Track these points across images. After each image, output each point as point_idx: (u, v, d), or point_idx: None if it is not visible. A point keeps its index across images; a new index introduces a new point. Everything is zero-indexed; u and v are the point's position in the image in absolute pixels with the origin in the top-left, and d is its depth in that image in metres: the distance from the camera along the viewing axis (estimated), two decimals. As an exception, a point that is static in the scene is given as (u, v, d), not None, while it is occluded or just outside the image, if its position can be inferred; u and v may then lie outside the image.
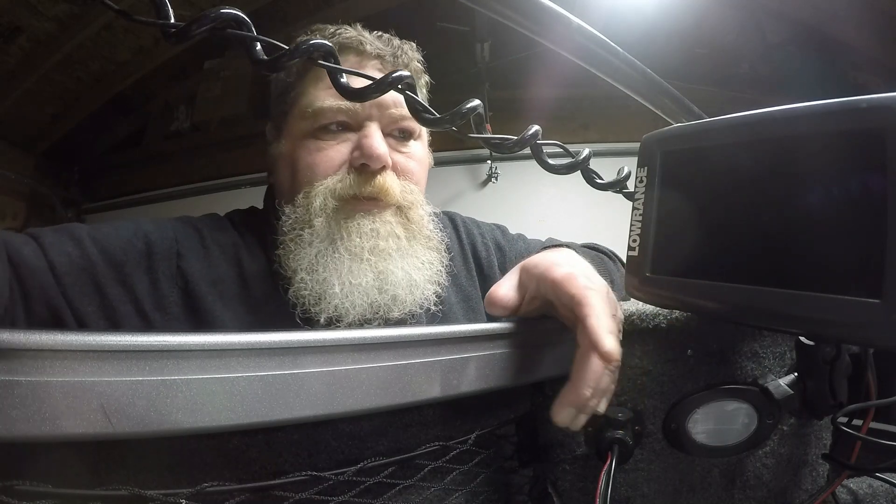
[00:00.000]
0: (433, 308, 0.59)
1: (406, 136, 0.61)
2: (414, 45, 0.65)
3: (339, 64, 0.34)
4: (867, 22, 1.78)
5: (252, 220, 0.65)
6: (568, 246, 0.49)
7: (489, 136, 0.41)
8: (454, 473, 0.36)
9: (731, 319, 0.37)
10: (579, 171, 0.48)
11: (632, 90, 0.53)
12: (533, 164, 0.45)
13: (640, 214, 0.37)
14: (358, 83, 0.35)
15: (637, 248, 0.37)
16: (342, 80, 0.34)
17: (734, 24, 2.08)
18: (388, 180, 0.57)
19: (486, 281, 0.72)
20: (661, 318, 0.39)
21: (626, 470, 0.41)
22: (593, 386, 0.32)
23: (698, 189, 0.34)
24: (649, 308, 0.40)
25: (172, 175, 2.45)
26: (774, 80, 2.08)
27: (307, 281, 0.54)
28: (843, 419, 0.40)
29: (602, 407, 0.34)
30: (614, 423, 0.39)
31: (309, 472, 0.29)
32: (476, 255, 0.73)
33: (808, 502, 0.44)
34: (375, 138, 0.56)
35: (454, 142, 2.01)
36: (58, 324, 0.47)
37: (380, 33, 0.62)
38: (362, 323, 0.55)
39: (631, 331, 0.39)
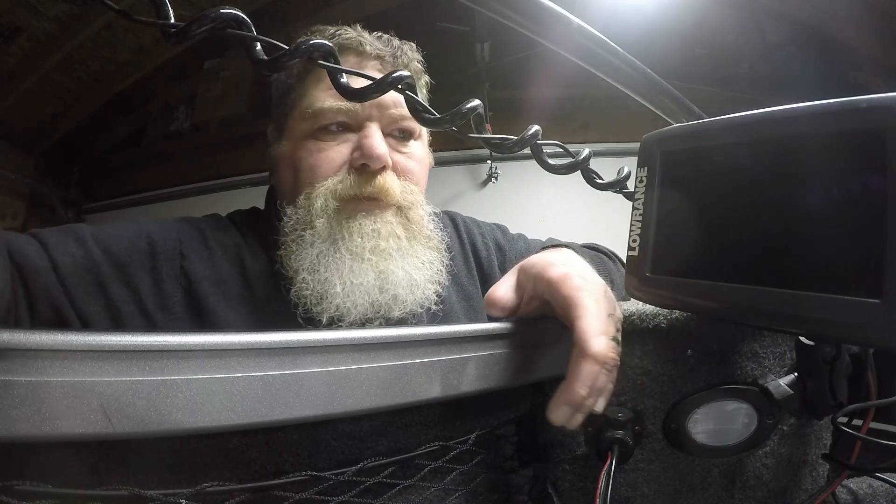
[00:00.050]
0: (434, 307, 0.59)
1: (406, 136, 0.61)
2: (414, 45, 0.65)
3: (339, 64, 0.34)
4: (867, 22, 1.78)
5: (254, 221, 0.65)
6: (567, 246, 0.49)
7: (489, 136, 0.41)
8: (454, 473, 0.36)
9: (731, 319, 0.37)
10: (579, 171, 0.48)
11: (632, 90, 0.53)
12: (533, 164, 0.45)
13: (640, 214, 0.37)
14: (358, 83, 0.35)
15: (637, 248, 0.37)
16: (342, 80, 0.34)
17: (734, 24, 2.08)
18: (388, 180, 0.57)
19: (487, 280, 0.72)
20: (661, 318, 0.39)
21: (626, 470, 0.41)
22: (589, 385, 0.32)
23: (698, 189, 0.34)
24: (649, 308, 0.40)
25: (172, 175, 2.45)
26: (774, 80, 2.08)
27: (309, 281, 0.55)
28: (843, 419, 0.40)
29: (600, 406, 0.34)
30: (614, 423, 0.39)
31: (309, 472, 0.29)
32: (476, 254, 0.73)
33: (808, 502, 0.44)
34: (375, 138, 0.57)
35: (454, 142, 2.01)
36: (62, 324, 0.48)
37: (379, 34, 0.62)
38: (364, 322, 0.55)
39: (631, 331, 0.39)
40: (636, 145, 0.39)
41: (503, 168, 2.23)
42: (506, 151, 0.42)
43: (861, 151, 0.26)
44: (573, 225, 1.98)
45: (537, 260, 0.39)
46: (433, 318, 0.61)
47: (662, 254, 0.36)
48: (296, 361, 0.26)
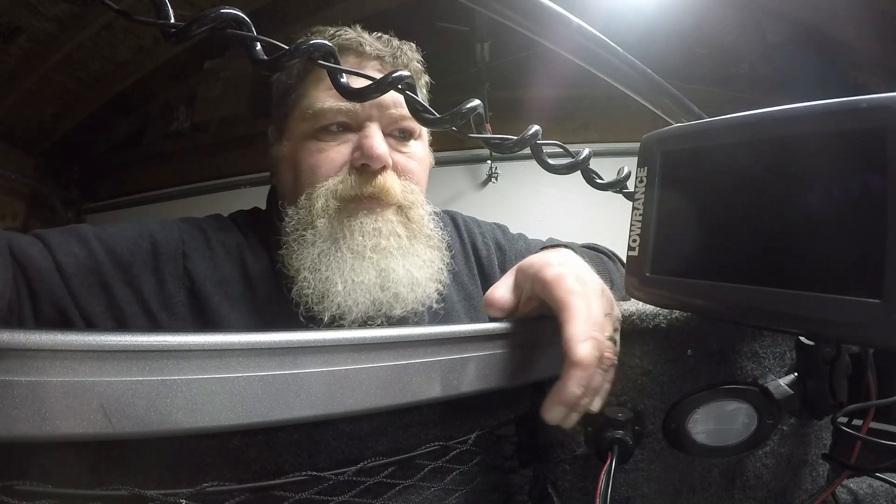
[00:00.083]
0: (435, 306, 0.59)
1: (406, 135, 0.61)
2: (413, 45, 0.65)
3: (339, 64, 0.34)
4: (867, 22, 1.78)
5: (255, 221, 0.65)
6: (567, 246, 0.49)
7: (489, 136, 0.41)
8: (454, 473, 0.36)
9: (731, 319, 0.37)
10: (579, 171, 0.48)
11: (632, 90, 0.53)
12: (533, 164, 0.45)
13: (640, 214, 0.37)
14: (358, 83, 0.35)
15: (637, 248, 0.37)
16: (342, 80, 0.34)
17: (734, 24, 2.08)
18: (388, 180, 0.57)
19: (487, 280, 0.72)
20: (661, 318, 0.39)
21: (626, 470, 0.41)
22: (584, 385, 0.32)
23: (698, 189, 0.34)
24: (649, 308, 0.40)
25: (172, 175, 2.45)
26: (774, 80, 2.08)
27: (310, 280, 0.55)
28: (843, 419, 0.40)
29: (596, 406, 0.34)
30: (614, 423, 0.39)
31: (309, 472, 0.29)
32: (477, 253, 0.74)
33: (808, 502, 0.44)
34: (376, 138, 0.57)
35: (454, 142, 2.01)
36: (66, 324, 0.48)
37: (379, 34, 0.62)
38: (365, 321, 0.55)
39: (631, 331, 0.39)
40: (636, 145, 0.39)
41: (503, 168, 2.23)
42: (506, 151, 0.42)
43: (861, 151, 0.26)
44: (573, 225, 1.98)
45: (535, 260, 0.39)
46: (435, 317, 0.61)
47: (662, 254, 0.36)
48: (296, 361, 0.26)
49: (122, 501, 0.24)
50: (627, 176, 0.50)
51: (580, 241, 0.63)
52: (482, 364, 0.34)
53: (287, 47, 0.32)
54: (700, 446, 0.40)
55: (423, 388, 0.31)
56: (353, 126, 0.58)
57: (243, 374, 0.25)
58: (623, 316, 0.39)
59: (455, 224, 0.76)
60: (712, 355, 0.40)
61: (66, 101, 2.23)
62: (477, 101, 0.38)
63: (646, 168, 0.38)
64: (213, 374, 0.24)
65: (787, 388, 0.39)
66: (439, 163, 0.71)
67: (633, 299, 0.40)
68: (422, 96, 0.66)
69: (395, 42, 0.62)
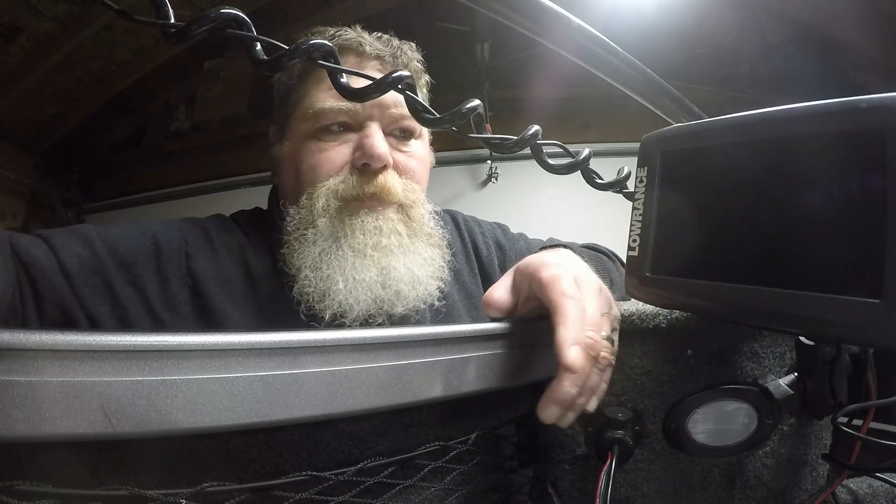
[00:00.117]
0: (437, 304, 0.59)
1: (407, 135, 0.62)
2: (414, 45, 0.65)
3: (339, 64, 0.34)
4: (867, 22, 1.78)
5: (257, 221, 0.65)
6: (567, 246, 0.49)
7: (489, 136, 0.41)
8: (454, 473, 0.36)
9: (731, 319, 0.37)
10: (579, 171, 0.48)
11: (632, 90, 0.53)
12: (533, 164, 0.45)
13: (640, 214, 0.37)
14: (358, 83, 0.35)
15: (637, 248, 0.37)
16: (342, 80, 0.34)
17: (734, 24, 2.08)
18: (389, 179, 0.57)
19: (488, 279, 0.72)
20: (661, 318, 0.39)
21: (626, 470, 0.41)
22: (579, 384, 0.32)
23: (698, 189, 0.34)
24: (649, 308, 0.40)
25: (172, 175, 2.45)
26: (774, 80, 2.08)
27: (311, 278, 0.55)
28: (843, 419, 0.40)
29: (592, 405, 0.34)
30: (614, 423, 0.39)
31: (309, 472, 0.29)
32: (477, 252, 0.74)
33: (808, 502, 0.44)
34: (376, 138, 0.57)
35: (454, 142, 2.01)
36: (70, 324, 0.48)
37: (379, 34, 0.63)
38: (367, 319, 0.55)
39: (631, 331, 0.39)
40: (636, 145, 0.39)
41: (503, 168, 2.23)
42: (506, 151, 0.42)
43: (861, 151, 0.26)
44: (573, 225, 1.98)
45: (532, 260, 0.39)
46: (436, 315, 0.62)
47: (662, 254, 0.36)
48: (296, 361, 0.26)
49: (122, 501, 0.24)
50: (627, 176, 0.50)
51: (580, 241, 0.63)
52: (482, 364, 0.34)
53: (287, 47, 0.32)
54: (700, 446, 0.40)
55: (423, 388, 0.31)
56: (354, 126, 0.59)
57: (243, 374, 0.25)
58: (623, 316, 0.39)
59: (455, 223, 0.76)
60: (712, 355, 0.40)
61: (66, 101, 2.23)
62: (477, 101, 0.38)
63: (646, 168, 0.38)
64: (213, 374, 0.24)
65: (787, 388, 0.39)
66: (439, 163, 0.71)
67: (633, 299, 0.40)
68: (422, 96, 0.66)
69: (396, 42, 0.62)
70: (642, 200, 0.37)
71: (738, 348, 0.41)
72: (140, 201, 2.48)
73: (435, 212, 0.64)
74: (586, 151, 0.47)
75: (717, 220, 0.33)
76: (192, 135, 2.43)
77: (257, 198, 0.69)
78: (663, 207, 0.36)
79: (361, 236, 0.56)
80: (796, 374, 0.40)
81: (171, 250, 0.55)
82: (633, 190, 0.39)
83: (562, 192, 2.14)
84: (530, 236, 0.82)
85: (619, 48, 0.48)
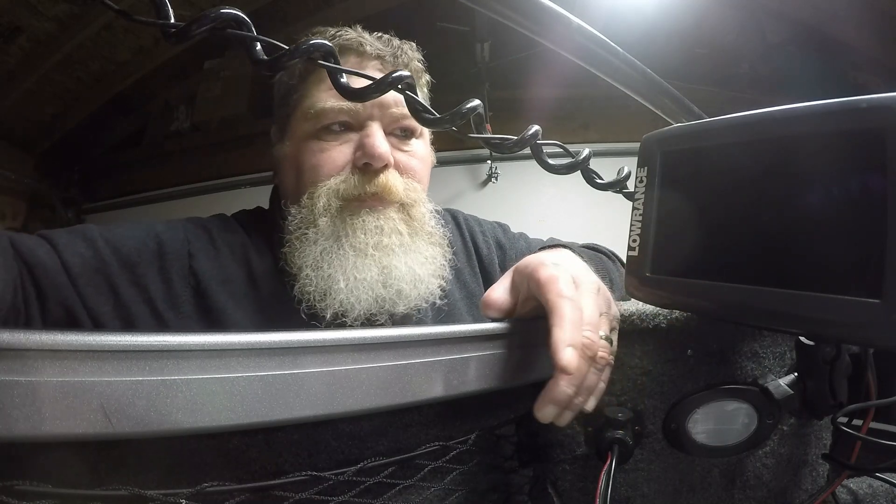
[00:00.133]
0: (439, 302, 0.59)
1: (408, 134, 0.62)
2: (414, 45, 0.65)
3: (339, 64, 0.34)
4: (867, 22, 1.78)
5: (259, 220, 0.66)
6: (566, 246, 0.49)
7: (489, 136, 0.41)
8: (454, 473, 0.36)
9: (731, 319, 0.37)
10: (579, 171, 0.48)
11: (632, 90, 0.53)
12: (533, 164, 0.45)
13: (640, 214, 0.37)
14: (358, 83, 0.35)
15: (637, 248, 0.37)
16: (342, 80, 0.34)
17: (734, 24, 2.08)
18: (390, 178, 0.58)
19: (488, 277, 0.72)
20: (661, 318, 0.39)
21: (626, 470, 0.41)
22: (576, 384, 0.32)
23: (698, 189, 0.34)
24: (649, 308, 0.40)
25: (172, 175, 2.45)
26: (774, 80, 2.08)
27: (312, 277, 0.55)
28: (843, 419, 0.40)
29: (590, 405, 0.34)
30: (614, 423, 0.39)
31: (309, 472, 0.29)
32: (478, 251, 0.74)
33: (808, 502, 0.44)
34: (377, 137, 0.57)
35: (454, 142, 2.01)
36: (73, 323, 0.48)
37: (380, 34, 0.63)
38: (368, 318, 0.55)
39: (631, 331, 0.39)
40: (636, 145, 0.39)
41: (503, 168, 2.23)
42: (506, 151, 0.42)
43: (861, 151, 0.26)
44: (573, 225, 1.98)
45: (531, 260, 0.39)
46: (438, 314, 0.62)
47: (662, 254, 0.36)
48: (296, 361, 0.26)
49: (122, 501, 0.24)
50: (627, 176, 0.50)
51: (580, 241, 0.63)
52: (482, 364, 0.34)
53: (287, 47, 0.32)
54: (700, 446, 0.40)
55: (423, 388, 0.31)
56: (355, 125, 0.59)
57: (243, 374, 0.25)
58: (623, 316, 0.39)
59: (456, 222, 0.76)
60: (712, 355, 0.40)
61: (66, 101, 2.24)
62: (477, 101, 0.38)
63: (646, 168, 0.38)
64: (213, 374, 0.24)
65: (787, 388, 0.39)
66: (439, 163, 0.71)
67: (633, 299, 0.40)
68: (422, 96, 0.66)
69: (396, 42, 0.62)
70: (642, 200, 0.37)
71: (738, 348, 0.41)
72: (140, 201, 2.48)
73: (436, 211, 0.64)
74: (586, 151, 0.47)
75: (717, 220, 0.33)
76: (192, 135, 2.43)
77: (257, 198, 0.69)
78: (663, 207, 0.36)
79: (363, 235, 0.56)
80: (796, 374, 0.40)
81: (174, 250, 0.56)
82: (633, 190, 0.39)
83: (562, 192, 2.14)
84: (530, 236, 0.82)
85: (619, 48, 0.48)
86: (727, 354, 0.41)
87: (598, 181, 0.50)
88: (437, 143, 0.70)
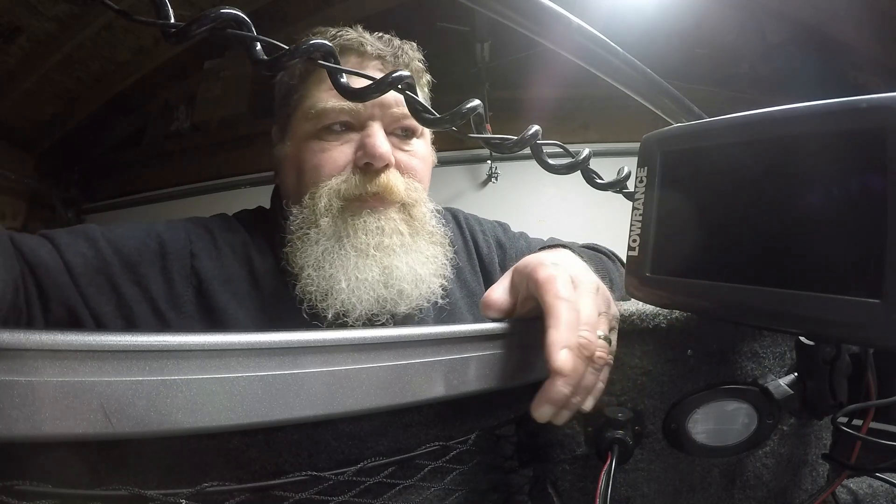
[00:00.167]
0: (440, 301, 0.59)
1: (409, 134, 0.62)
2: (415, 45, 0.65)
3: (339, 64, 0.34)
4: (867, 22, 1.78)
5: (260, 220, 0.66)
6: (566, 246, 0.49)
7: (489, 136, 0.41)
8: (454, 473, 0.36)
9: (731, 319, 0.37)
10: (579, 171, 0.48)
11: (632, 90, 0.53)
12: (533, 164, 0.45)
13: (640, 214, 0.37)
14: (358, 83, 0.35)
15: (637, 248, 0.37)
16: (342, 80, 0.34)
17: (734, 24, 2.08)
18: (391, 178, 0.58)
19: (488, 276, 0.72)
20: (661, 318, 0.39)
21: (626, 470, 0.41)
22: (573, 384, 0.32)
23: (698, 189, 0.34)
24: (649, 308, 0.40)
25: (172, 175, 2.45)
26: (774, 80, 2.08)
27: (314, 277, 0.55)
28: (843, 419, 0.40)
29: (588, 405, 0.34)
30: (614, 423, 0.39)
31: (309, 472, 0.29)
32: (478, 250, 0.74)
33: (808, 502, 0.44)
34: (378, 137, 0.57)
35: (454, 142, 2.01)
36: (75, 323, 0.49)
37: (380, 34, 0.63)
38: (370, 318, 0.55)
39: (631, 331, 0.39)
40: (636, 145, 0.39)
41: (503, 168, 2.23)
42: (506, 151, 0.42)
43: (861, 151, 0.26)
44: (573, 225, 1.98)
45: (530, 260, 0.39)
46: (440, 313, 0.62)
47: (662, 254, 0.36)
48: (296, 361, 0.26)
49: (122, 501, 0.24)
50: (627, 176, 0.50)
51: (580, 242, 0.63)
52: (482, 364, 0.34)
53: (287, 47, 0.32)
54: (700, 446, 0.40)
55: (423, 388, 0.31)
56: (356, 125, 0.59)
57: (243, 374, 0.25)
58: (623, 316, 0.39)
59: (457, 221, 0.76)
60: (712, 355, 0.40)
61: (66, 101, 2.24)
62: (477, 101, 0.38)
63: (646, 168, 0.38)
64: (213, 374, 0.24)
65: (787, 388, 0.39)
66: (439, 163, 0.71)
67: (633, 299, 0.40)
68: (423, 96, 0.66)
69: (397, 42, 0.63)
70: (642, 200, 0.37)
71: (738, 348, 0.41)
72: (140, 201, 2.48)
73: (436, 210, 0.64)
74: (586, 151, 0.47)
75: (717, 220, 0.33)
76: (192, 135, 2.43)
77: (257, 198, 0.69)
78: (663, 207, 0.36)
79: (364, 236, 0.56)
80: (796, 374, 0.40)
81: (176, 250, 0.56)
82: (633, 190, 0.39)
83: (562, 192, 2.14)
84: (531, 236, 0.82)
85: (619, 48, 0.48)
86: (727, 354, 0.41)
87: (598, 181, 0.50)
88: (437, 143, 0.70)
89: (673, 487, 0.42)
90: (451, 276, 0.63)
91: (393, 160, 0.58)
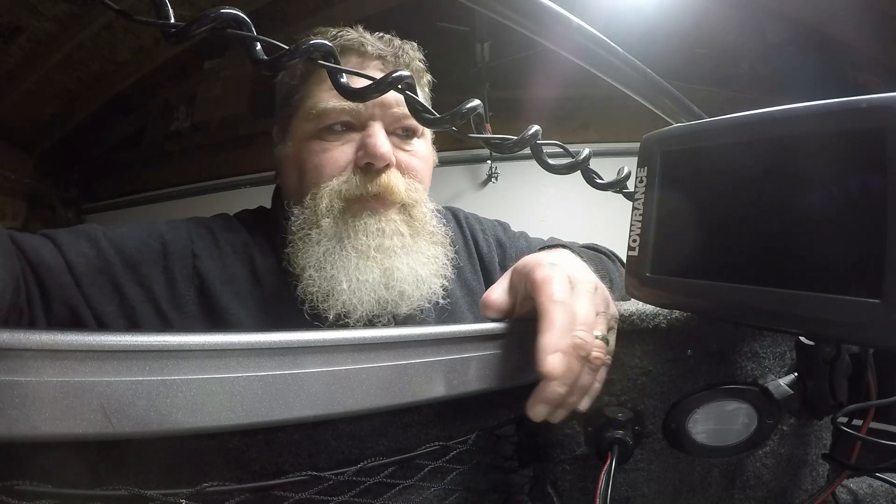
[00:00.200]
0: (441, 301, 0.59)
1: (409, 134, 0.62)
2: (415, 44, 0.65)
3: (339, 64, 0.34)
4: (867, 22, 1.78)
5: (261, 220, 0.66)
6: (566, 246, 0.49)
7: (489, 136, 0.41)
8: (454, 473, 0.36)
9: (731, 319, 0.37)
10: (579, 171, 0.48)
11: (632, 90, 0.53)
12: (533, 164, 0.44)
13: (640, 214, 0.37)
14: (359, 83, 0.35)
15: (637, 248, 0.37)
16: (342, 80, 0.34)
17: (734, 24, 2.08)
18: (392, 178, 0.58)
19: (488, 276, 0.72)
20: (661, 318, 0.39)
21: (626, 470, 0.41)
22: (567, 384, 0.32)
23: (698, 189, 0.34)
24: (649, 308, 0.40)
25: (172, 175, 2.45)
26: (774, 80, 2.08)
27: (315, 278, 0.55)
28: (843, 419, 0.40)
29: (584, 405, 0.34)
30: (614, 423, 0.39)
31: (309, 472, 0.29)
32: (478, 249, 0.74)
33: (808, 502, 0.44)
34: (379, 137, 0.57)
35: (454, 142, 2.01)
36: (77, 323, 0.49)
37: (381, 34, 0.63)
38: (371, 319, 0.55)
39: (631, 331, 0.39)
40: (636, 145, 0.39)
41: (503, 168, 2.23)
42: (506, 151, 0.42)
43: (861, 151, 0.26)
44: (573, 225, 1.98)
45: (528, 260, 0.39)
46: (441, 313, 0.62)
47: (662, 254, 0.36)
48: (296, 361, 0.26)
49: (122, 501, 0.24)
50: (627, 176, 0.50)
51: (580, 242, 0.63)
52: (482, 364, 0.34)
53: (287, 47, 0.32)
54: (700, 446, 0.40)
55: (423, 388, 0.31)
56: (357, 125, 0.59)
57: (243, 374, 0.25)
58: (623, 316, 0.39)
59: (457, 220, 0.76)
60: (712, 355, 0.40)
61: (66, 101, 2.23)
62: (477, 101, 0.38)
63: (646, 168, 0.37)
64: (213, 374, 0.24)
65: (787, 388, 0.39)
66: (439, 163, 0.71)
67: (633, 299, 0.40)
68: (424, 95, 0.66)
69: (397, 42, 0.63)
70: (642, 200, 0.37)
71: (738, 348, 0.41)
72: (140, 201, 2.48)
73: (437, 210, 0.64)
74: (586, 151, 0.47)
75: (717, 220, 0.33)
76: (192, 135, 2.43)
77: (257, 198, 0.69)
78: (663, 207, 0.36)
79: (364, 238, 0.56)
80: (796, 374, 0.40)
81: (178, 250, 0.56)
82: (633, 190, 0.39)
83: (562, 192, 2.14)
84: (531, 236, 0.82)
85: (619, 48, 0.48)
86: (727, 354, 0.41)
87: (598, 181, 0.50)
88: (438, 143, 0.70)
89: (673, 487, 0.42)
90: (452, 276, 0.63)
91: (394, 160, 0.58)
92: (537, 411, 0.32)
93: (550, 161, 0.44)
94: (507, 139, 0.41)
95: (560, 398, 0.32)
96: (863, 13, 1.76)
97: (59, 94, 2.18)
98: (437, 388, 0.32)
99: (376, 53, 0.60)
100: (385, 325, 0.56)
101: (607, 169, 0.51)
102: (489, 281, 0.71)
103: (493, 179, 2.24)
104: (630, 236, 0.38)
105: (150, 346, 0.23)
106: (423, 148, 0.64)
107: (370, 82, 0.35)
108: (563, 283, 0.35)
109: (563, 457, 0.41)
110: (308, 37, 0.33)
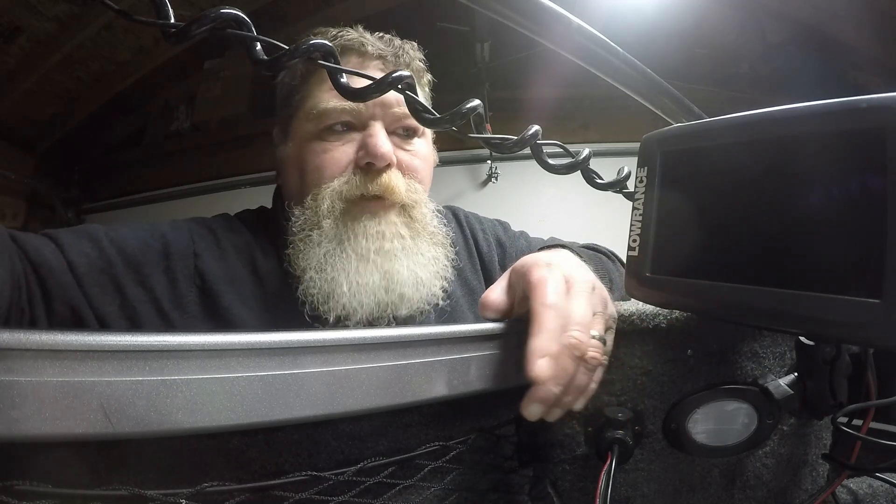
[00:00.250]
0: (441, 303, 0.59)
1: (410, 133, 0.62)
2: (415, 44, 0.65)
3: (339, 64, 0.34)
4: (867, 22, 1.78)
5: (263, 220, 0.66)
6: (566, 246, 0.49)
7: (489, 136, 0.41)
8: (454, 473, 0.36)
9: (731, 319, 0.37)
10: (579, 171, 0.48)
11: (632, 90, 0.53)
12: (533, 164, 0.45)
13: (640, 214, 0.37)
14: (359, 83, 0.35)
15: (637, 248, 0.37)
16: (343, 80, 0.34)
17: (734, 24, 2.08)
18: (393, 178, 0.58)
19: (488, 276, 0.72)
20: (661, 318, 0.39)
21: (626, 470, 0.41)
22: (562, 384, 0.32)
23: (698, 189, 0.34)
24: (649, 308, 0.40)
25: (172, 175, 2.45)
26: (774, 80, 2.08)
27: (316, 280, 0.55)
28: (843, 419, 0.40)
29: (579, 405, 0.34)
30: (614, 423, 0.39)
31: (309, 472, 0.29)
32: (479, 249, 0.74)
33: (808, 502, 0.44)
34: (380, 137, 0.57)
35: (454, 142, 2.01)
36: (79, 323, 0.48)
37: (381, 34, 0.63)
38: (371, 321, 0.55)
39: (631, 331, 0.39)
40: (636, 145, 0.39)
41: (503, 168, 2.23)
42: (506, 151, 0.42)
43: (861, 151, 0.26)
44: (573, 225, 1.98)
45: (526, 260, 0.39)
46: (441, 314, 0.62)
47: (662, 254, 0.36)
48: (296, 361, 0.26)
49: (122, 501, 0.24)
50: (627, 176, 0.50)
51: (580, 242, 0.63)
52: (482, 364, 0.34)
53: (287, 47, 0.32)
54: (700, 446, 0.40)
55: (423, 388, 0.31)
56: (357, 125, 0.59)
57: (243, 374, 0.25)
58: (623, 316, 0.39)
59: (457, 219, 0.76)
60: (712, 355, 0.40)
61: (66, 101, 2.24)
62: (477, 101, 0.38)
63: (646, 168, 0.37)
64: (213, 374, 0.24)
65: (787, 388, 0.39)
66: (440, 163, 0.71)
67: (633, 299, 0.40)
68: (424, 95, 0.66)
69: (398, 42, 0.63)
70: (642, 200, 0.37)
71: (738, 348, 0.41)
72: (140, 201, 2.47)
73: (437, 210, 0.64)
74: (586, 151, 0.47)
75: (717, 220, 0.33)
76: (192, 135, 2.43)
77: (258, 198, 0.69)
78: (663, 207, 0.36)
79: (364, 241, 0.56)
80: (796, 374, 0.40)
81: (180, 250, 0.56)
82: (633, 190, 0.39)
83: (562, 192, 2.14)
84: (531, 236, 0.82)
85: (619, 48, 0.48)
86: (727, 354, 0.41)
87: (598, 181, 0.50)
88: (438, 143, 0.70)
89: (673, 487, 0.42)
90: (453, 277, 0.63)
91: (394, 160, 0.58)
92: (531, 411, 0.32)
93: (550, 161, 0.44)
94: (507, 139, 0.41)
95: (554, 398, 0.32)
96: (863, 13, 1.76)
97: (59, 94, 2.18)
98: (436, 389, 0.32)
99: (376, 53, 0.60)
100: (385, 326, 0.56)
101: (607, 169, 0.51)
102: (489, 280, 0.71)
103: (493, 179, 2.24)
104: (630, 236, 0.38)
105: (150, 346, 0.23)
106: (423, 148, 0.64)
107: (370, 82, 0.35)
108: (559, 285, 0.35)
109: (563, 457, 0.41)
110: (308, 37, 0.33)
